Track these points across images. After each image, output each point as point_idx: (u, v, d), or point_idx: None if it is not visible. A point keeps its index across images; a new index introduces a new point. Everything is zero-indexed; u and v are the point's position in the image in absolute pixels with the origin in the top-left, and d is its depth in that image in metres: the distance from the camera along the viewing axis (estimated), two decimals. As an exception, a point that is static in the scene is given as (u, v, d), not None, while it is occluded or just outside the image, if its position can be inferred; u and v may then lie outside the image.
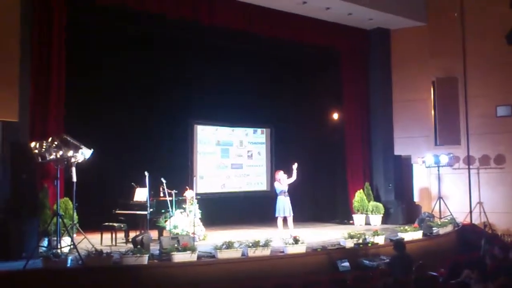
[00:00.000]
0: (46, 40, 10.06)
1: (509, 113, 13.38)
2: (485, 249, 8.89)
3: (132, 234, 10.10)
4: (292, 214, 11.03)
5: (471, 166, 13.73)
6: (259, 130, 15.95)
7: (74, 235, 9.08)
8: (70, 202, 9.52)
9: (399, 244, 8.67)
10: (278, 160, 15.60)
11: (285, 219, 11.06)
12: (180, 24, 12.29)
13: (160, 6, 11.45)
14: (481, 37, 13.56)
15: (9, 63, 9.26)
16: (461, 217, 13.40)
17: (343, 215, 14.85)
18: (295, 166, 10.95)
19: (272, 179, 15.60)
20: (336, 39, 14.43)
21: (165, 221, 10.62)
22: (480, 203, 13.54)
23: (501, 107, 13.49)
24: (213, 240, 10.13)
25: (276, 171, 11.26)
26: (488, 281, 5.87)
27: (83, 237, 8.89)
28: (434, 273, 7.47)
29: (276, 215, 11.02)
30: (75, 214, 9.41)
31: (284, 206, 10.94)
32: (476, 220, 13.44)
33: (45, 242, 8.78)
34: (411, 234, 11.06)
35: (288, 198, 10.99)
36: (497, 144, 13.44)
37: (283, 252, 9.32)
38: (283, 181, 10.96)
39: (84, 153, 8.76)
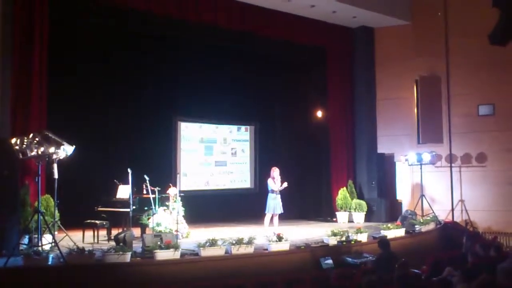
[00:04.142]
0: (28, 37, 9.92)
1: (491, 112, 13.54)
2: (467, 246, 8.98)
3: (114, 232, 9.98)
4: (282, 212, 11.07)
5: (453, 165, 13.85)
6: (243, 127, 15.95)
7: (56, 233, 8.99)
8: (52, 199, 9.42)
9: (383, 242, 8.72)
10: (262, 157, 15.63)
11: (272, 217, 11.07)
12: (165, 21, 12.21)
13: (145, 2, 11.38)
14: (464, 36, 13.66)
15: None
16: (443, 215, 13.54)
17: (327, 213, 14.92)
18: (285, 184, 10.95)
19: (256, 176, 15.65)
20: (321, 37, 14.47)
21: (148, 218, 10.54)
22: (462, 201, 13.68)
23: (483, 106, 13.63)
24: (196, 238, 10.10)
25: (273, 168, 11.20)
26: (469, 279, 5.91)
27: (65, 234, 8.80)
28: (417, 271, 7.52)
29: (266, 211, 11.05)
30: (56, 211, 9.29)
31: (275, 204, 10.97)
32: (458, 218, 13.57)
33: (26, 240, 8.68)
34: (394, 232, 11.14)
35: (279, 196, 11.03)
36: (479, 142, 13.58)
37: (266, 249, 9.33)
38: (277, 180, 10.97)
39: (66, 150, 8.67)
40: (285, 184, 10.97)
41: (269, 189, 11.06)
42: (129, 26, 12.28)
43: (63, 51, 11.38)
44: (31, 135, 8.45)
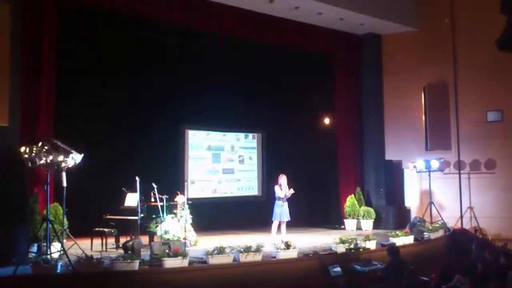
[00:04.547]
0: (36, 46, 9.98)
1: (499, 118, 13.48)
2: (476, 253, 8.93)
3: (122, 240, 10.01)
4: (288, 219, 11.06)
5: (461, 171, 13.79)
6: (250, 135, 15.96)
7: (64, 241, 9.02)
8: (60, 208, 9.45)
9: (393, 250, 8.67)
10: (270, 165, 15.61)
11: (279, 224, 11.06)
12: (173, 30, 12.29)
13: (152, 11, 11.46)
14: (472, 42, 13.66)
15: (-1, 68, 9.21)
16: (452, 222, 13.46)
17: (334, 220, 14.87)
18: (291, 191, 10.96)
19: (263, 184, 15.64)
20: (328, 45, 14.51)
21: (156, 226, 10.56)
22: (470, 207, 13.60)
23: (491, 112, 13.58)
24: (204, 246, 10.08)
25: (280, 175, 11.20)
26: (479, 287, 5.88)
27: (73, 242, 8.83)
28: (426, 278, 7.48)
29: (273, 219, 11.05)
30: (65, 219, 9.33)
31: (281, 211, 10.97)
32: (466, 225, 13.49)
33: (35, 248, 8.71)
34: (402, 239, 11.07)
35: (286, 204, 11.02)
36: (487, 149, 13.52)
37: (274, 257, 9.29)
38: (284, 187, 10.97)
39: (74, 158, 8.71)
40: (292, 191, 10.96)
41: (276, 196, 11.06)
42: (137, 34, 12.36)
43: (71, 60, 11.43)
44: (40, 144, 8.49)
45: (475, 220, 13.46)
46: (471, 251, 9.41)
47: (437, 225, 12.73)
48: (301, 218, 14.43)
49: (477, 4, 13.59)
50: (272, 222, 11.11)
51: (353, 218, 14.17)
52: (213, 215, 13.73)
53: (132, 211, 10.31)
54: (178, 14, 11.83)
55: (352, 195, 14.38)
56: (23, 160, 8.48)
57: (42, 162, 8.41)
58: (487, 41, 12.52)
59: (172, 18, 11.83)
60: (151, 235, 10.56)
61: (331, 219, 15.08)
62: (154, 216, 10.60)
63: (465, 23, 13.86)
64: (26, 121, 9.75)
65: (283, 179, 11.07)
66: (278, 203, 11.03)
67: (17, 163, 8.66)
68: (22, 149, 8.53)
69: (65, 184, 8.68)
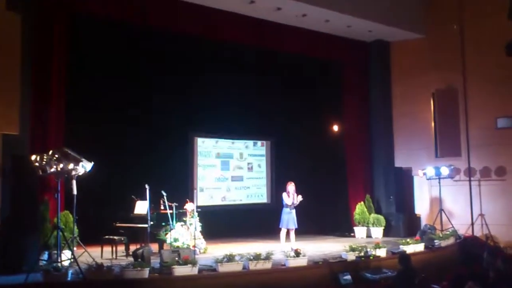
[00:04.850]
0: (47, 56, 10.10)
1: (509, 125, 13.37)
2: (488, 261, 8.84)
3: (132, 247, 10.04)
4: (296, 227, 11.03)
5: (472, 178, 13.70)
6: (259, 142, 15.97)
7: (75, 249, 9.03)
8: (71, 215, 9.49)
9: (404, 258, 8.60)
10: (279, 172, 15.60)
11: (288, 232, 11.04)
12: (182, 38, 12.36)
13: (161, 20, 11.54)
14: (481, 48, 13.61)
15: (10, 77, 9.27)
16: (463, 229, 13.35)
17: (344, 228, 14.79)
18: (299, 198, 10.95)
19: (272, 191, 15.62)
20: (336, 52, 14.51)
21: (166, 234, 10.58)
22: (481, 215, 13.49)
23: (501, 119, 13.49)
24: (214, 253, 10.08)
25: (289, 183, 11.19)
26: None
27: (84, 250, 8.85)
28: (437, 286, 7.43)
29: (280, 226, 11.04)
30: (75, 227, 9.36)
31: (288, 218, 10.95)
32: (478, 232, 13.38)
33: (45, 256, 8.73)
34: (413, 247, 10.99)
35: (293, 211, 11.00)
36: (498, 155, 13.42)
37: (284, 265, 9.27)
38: (291, 195, 10.96)
39: (84, 166, 8.74)
40: (300, 198, 10.94)
41: (284, 203, 11.04)
42: (146, 43, 12.45)
43: (81, 68, 11.54)
44: (50, 152, 8.54)
45: (486, 227, 13.35)
46: (483, 258, 9.31)
47: (448, 232, 12.64)
48: (311, 226, 14.39)
49: (485, 10, 13.54)
50: (280, 229, 11.10)
51: (363, 225, 14.11)
52: (222, 222, 13.73)
53: (142, 219, 10.35)
54: (189, 23, 11.90)
55: (362, 203, 14.33)
56: (34, 168, 8.52)
57: (52, 170, 8.45)
58: (496, 47, 12.49)
59: (183, 27, 11.91)
60: (161, 243, 10.58)
61: (341, 226, 15.01)
62: (163, 223, 10.62)
63: (474, 29, 13.81)
64: (36, 130, 9.85)
65: (291, 186, 11.06)
66: (285, 210, 11.01)
67: (28, 171, 8.71)
68: (33, 157, 8.58)
69: (75, 192, 8.71)
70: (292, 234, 11.05)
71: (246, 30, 12.77)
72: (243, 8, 12.15)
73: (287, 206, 10.99)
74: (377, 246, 10.42)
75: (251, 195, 15.65)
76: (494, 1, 13.20)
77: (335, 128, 15.82)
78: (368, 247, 10.30)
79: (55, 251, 8.57)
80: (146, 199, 10.12)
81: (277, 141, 16.03)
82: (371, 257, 10.04)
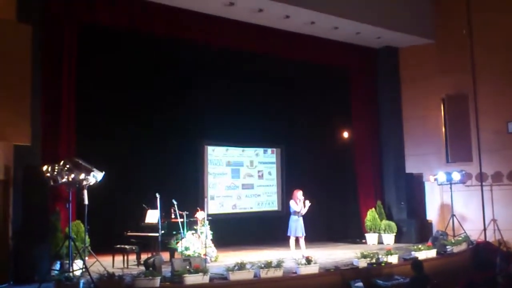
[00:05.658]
0: (57, 67, 10.19)
1: (521, 129, 13.31)
2: (501, 267, 8.77)
3: (143, 256, 10.07)
4: (304, 235, 10.99)
5: (484, 183, 13.60)
6: (269, 150, 15.97)
7: (86, 258, 9.07)
8: (82, 225, 9.54)
9: (417, 264, 8.54)
10: (289, 179, 15.58)
11: (297, 239, 11.01)
12: (192, 46, 12.43)
13: (173, 29, 11.61)
14: (490, 53, 13.56)
15: (22, 88, 9.33)
16: (475, 235, 13.23)
17: (355, 235, 14.74)
18: (308, 203, 10.94)
19: (283, 198, 15.60)
20: (345, 58, 14.51)
21: (177, 242, 10.59)
22: (494, 220, 13.38)
23: (512, 123, 13.43)
24: (225, 262, 10.09)
25: (296, 190, 11.19)
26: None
27: (95, 260, 8.87)
28: (450, 293, 7.37)
29: (288, 234, 11.01)
30: (87, 236, 9.41)
31: (296, 226, 10.93)
32: (490, 238, 13.26)
33: (57, 266, 8.78)
34: (425, 253, 10.94)
35: (301, 218, 10.98)
36: (510, 160, 13.32)
37: (295, 272, 9.24)
38: (299, 202, 10.94)
39: (95, 176, 8.79)
40: (308, 203, 10.91)
41: (292, 210, 11.03)
42: (156, 51, 12.52)
43: (91, 77, 11.62)
44: (61, 162, 8.58)
45: (499, 232, 13.23)
46: (496, 264, 9.23)
47: (460, 238, 12.55)
48: (321, 233, 14.36)
49: (494, 14, 13.50)
50: (289, 237, 11.07)
51: (374, 232, 14.04)
52: (233, 230, 13.74)
53: (153, 227, 10.38)
54: (198, 31, 11.96)
55: (373, 209, 14.27)
56: (46, 178, 8.58)
57: (64, 180, 8.49)
58: (505, 50, 12.48)
59: (192, 36, 11.99)
60: (172, 251, 10.59)
61: (352, 233, 14.96)
62: (174, 232, 10.64)
63: (483, 33, 13.76)
64: (48, 140, 9.91)
65: (299, 194, 11.04)
66: (293, 217, 11.00)
67: (40, 182, 8.77)
68: (44, 168, 8.63)
69: (86, 201, 8.76)
70: (302, 241, 11.02)
71: (255, 39, 12.82)
72: (253, 17, 12.21)
73: (295, 213, 10.97)
74: (388, 252, 10.38)
75: (262, 203, 15.64)
76: (503, 5, 13.16)
77: (345, 134, 15.80)
78: (380, 254, 10.26)
79: (67, 261, 8.61)
80: (157, 208, 10.15)
81: (287, 148, 16.03)
82: (383, 264, 9.99)
